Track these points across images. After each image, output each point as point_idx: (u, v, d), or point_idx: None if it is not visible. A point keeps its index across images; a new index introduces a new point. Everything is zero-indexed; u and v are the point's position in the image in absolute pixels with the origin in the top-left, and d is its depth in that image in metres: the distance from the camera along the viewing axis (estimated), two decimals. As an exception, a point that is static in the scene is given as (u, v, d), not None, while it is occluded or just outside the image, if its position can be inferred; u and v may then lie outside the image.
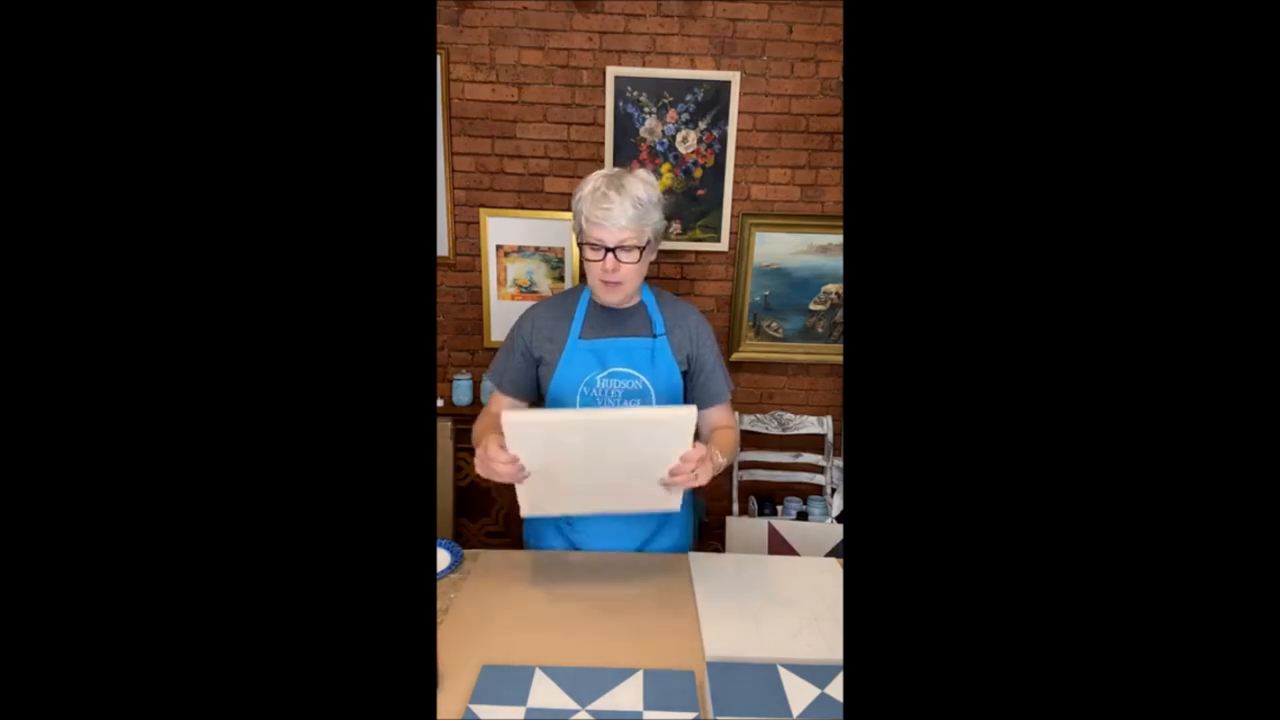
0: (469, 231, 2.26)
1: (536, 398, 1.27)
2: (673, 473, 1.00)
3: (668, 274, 2.32)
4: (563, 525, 1.25)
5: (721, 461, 1.11)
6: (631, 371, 1.20)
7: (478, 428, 1.21)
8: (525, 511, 1.05)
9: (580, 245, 1.16)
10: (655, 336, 1.22)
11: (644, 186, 1.11)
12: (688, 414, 0.98)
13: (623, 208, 1.08)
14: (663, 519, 1.27)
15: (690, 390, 1.26)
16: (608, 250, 1.11)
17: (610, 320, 1.22)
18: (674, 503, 1.05)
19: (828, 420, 2.36)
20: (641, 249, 1.13)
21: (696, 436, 1.29)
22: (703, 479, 1.01)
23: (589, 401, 1.19)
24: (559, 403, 1.21)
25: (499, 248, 2.26)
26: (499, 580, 1.08)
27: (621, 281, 1.14)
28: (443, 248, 2.24)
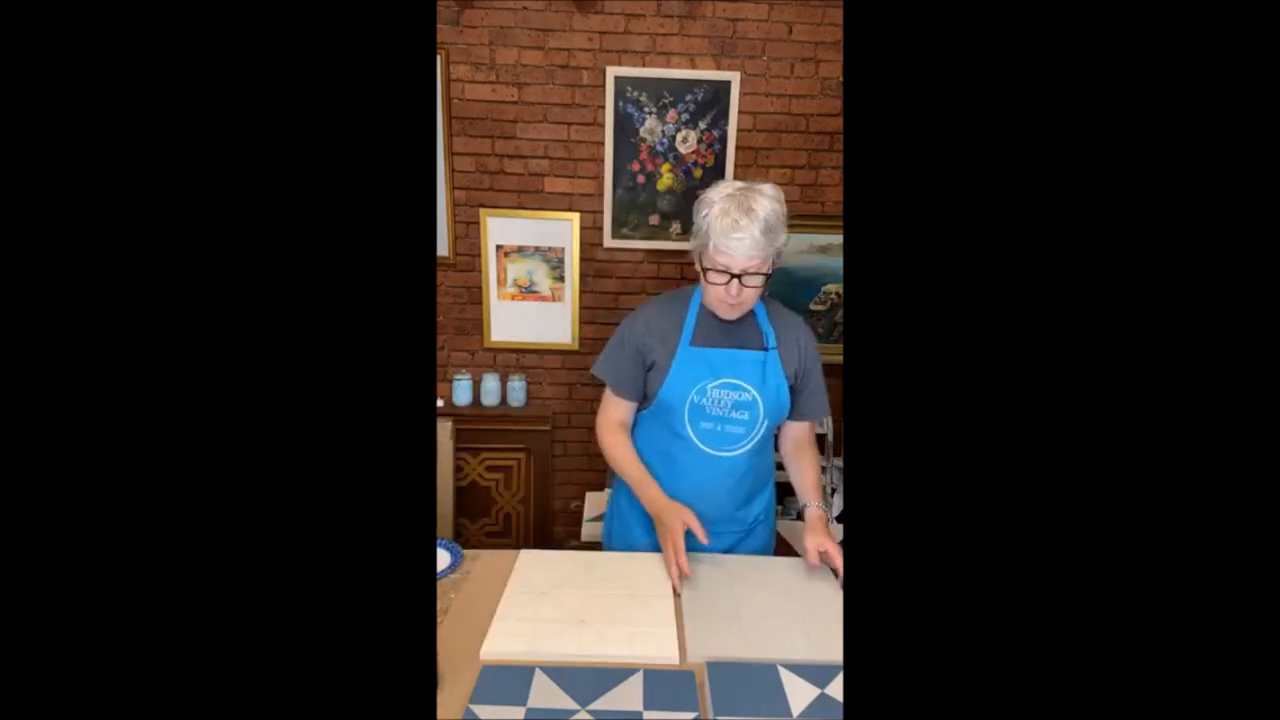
0: (469, 231, 2.26)
1: (644, 399, 1.25)
2: (822, 556, 1.13)
3: (668, 274, 2.32)
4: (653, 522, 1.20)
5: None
6: (742, 383, 1.18)
7: (619, 450, 1.23)
8: (486, 649, 0.90)
9: (701, 264, 1.13)
10: (767, 350, 1.20)
11: (772, 204, 1.07)
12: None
13: (753, 235, 1.05)
14: (751, 524, 1.28)
15: (792, 403, 1.25)
16: (733, 276, 1.09)
17: (722, 330, 1.20)
18: (669, 651, 0.91)
19: (828, 420, 2.35)
20: (767, 275, 1.11)
21: (777, 448, 1.33)
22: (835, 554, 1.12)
23: (697, 410, 1.18)
24: (669, 408, 1.19)
25: (499, 248, 2.26)
26: (499, 580, 1.08)
27: (744, 304, 1.13)
28: (443, 248, 2.24)
